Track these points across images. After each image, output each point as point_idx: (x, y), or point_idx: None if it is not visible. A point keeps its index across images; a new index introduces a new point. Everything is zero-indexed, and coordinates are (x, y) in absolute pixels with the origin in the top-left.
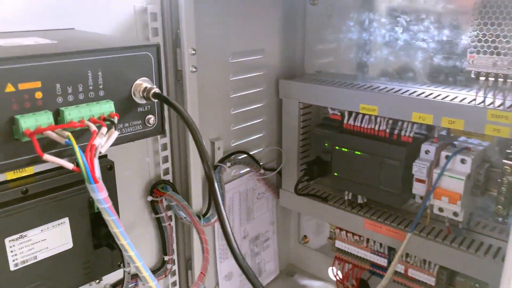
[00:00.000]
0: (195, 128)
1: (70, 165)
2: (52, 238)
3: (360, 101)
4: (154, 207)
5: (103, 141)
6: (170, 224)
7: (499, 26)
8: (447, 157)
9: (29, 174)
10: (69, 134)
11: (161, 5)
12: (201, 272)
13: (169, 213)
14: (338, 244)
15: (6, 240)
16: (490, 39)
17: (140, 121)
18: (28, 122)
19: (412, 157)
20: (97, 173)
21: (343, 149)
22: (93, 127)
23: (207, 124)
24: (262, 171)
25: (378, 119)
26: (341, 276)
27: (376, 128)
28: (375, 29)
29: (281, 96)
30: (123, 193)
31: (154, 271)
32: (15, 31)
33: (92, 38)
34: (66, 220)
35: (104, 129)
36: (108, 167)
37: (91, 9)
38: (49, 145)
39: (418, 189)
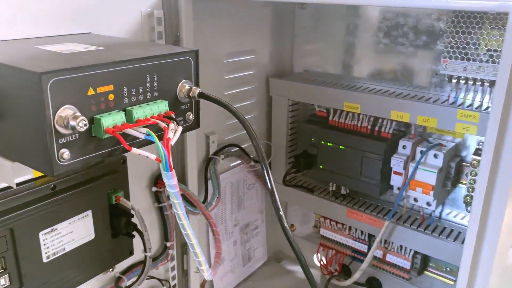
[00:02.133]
0: (247, 124)
1: (153, 156)
2: (77, 230)
3: (344, 99)
4: (157, 196)
5: (172, 135)
6: (171, 213)
7: (469, 35)
8: (421, 152)
9: None
10: (149, 130)
11: (163, 10)
12: (216, 252)
13: (170, 202)
14: (323, 231)
15: (40, 234)
16: (461, 46)
17: (182, 118)
18: (107, 121)
19: (391, 152)
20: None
21: (328, 143)
22: (162, 124)
23: (203, 119)
24: (252, 163)
25: (361, 116)
26: (325, 262)
27: (359, 124)
28: (360, 33)
29: (271, 93)
30: (131, 184)
31: (157, 256)
32: (46, 36)
33: (129, 43)
34: (89, 212)
35: (173, 125)
36: (122, 161)
37: (103, 14)
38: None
39: (396, 180)
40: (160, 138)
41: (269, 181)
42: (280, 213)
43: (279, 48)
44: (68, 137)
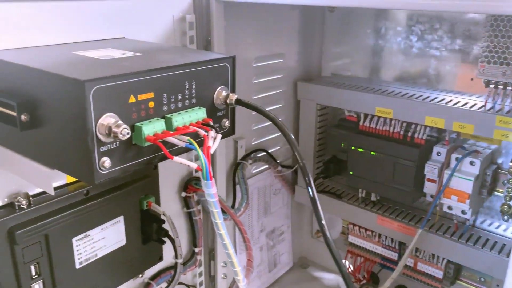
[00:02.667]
0: (286, 130)
1: (194, 165)
2: (109, 236)
3: (376, 104)
4: (186, 202)
5: (212, 143)
6: (200, 218)
7: (509, 39)
8: (457, 159)
9: None
10: (189, 138)
11: (195, 14)
12: (248, 260)
13: (198, 207)
14: (351, 238)
15: (73, 240)
16: (500, 50)
17: (218, 124)
18: (148, 129)
19: (424, 158)
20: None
21: (359, 149)
22: (202, 132)
23: None
24: (279, 168)
25: (393, 122)
26: (352, 269)
27: (391, 130)
28: (391, 37)
29: (299, 97)
30: (161, 189)
31: (186, 262)
32: (81, 42)
33: (164, 49)
34: (121, 218)
35: (212, 133)
36: (153, 167)
37: (136, 19)
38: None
39: (429, 188)
40: (199, 145)
41: (311, 189)
42: (322, 222)
43: (307, 52)
44: (109, 145)
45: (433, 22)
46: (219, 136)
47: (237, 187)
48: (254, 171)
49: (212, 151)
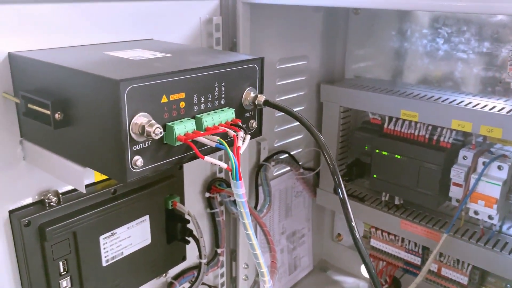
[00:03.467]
0: (315, 132)
1: (225, 165)
2: (135, 235)
3: (401, 107)
4: (210, 202)
5: (241, 143)
6: (223, 219)
7: None
8: (484, 163)
9: None
10: (220, 138)
11: (221, 16)
12: (272, 261)
13: (221, 208)
14: (373, 242)
15: (101, 238)
16: None
17: (246, 125)
18: (179, 129)
19: (450, 162)
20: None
21: (383, 152)
22: (232, 133)
23: None
24: (301, 170)
25: (418, 125)
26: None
27: (416, 133)
28: (416, 39)
29: (322, 99)
30: (186, 189)
31: (208, 262)
32: (111, 42)
33: (193, 50)
34: (147, 217)
35: (241, 133)
36: (179, 167)
37: (164, 20)
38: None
39: (455, 192)
40: (228, 145)
41: (341, 191)
42: (353, 224)
43: (330, 54)
44: (141, 144)
45: (460, 24)
46: (248, 136)
47: (260, 188)
48: (276, 173)
49: (241, 151)
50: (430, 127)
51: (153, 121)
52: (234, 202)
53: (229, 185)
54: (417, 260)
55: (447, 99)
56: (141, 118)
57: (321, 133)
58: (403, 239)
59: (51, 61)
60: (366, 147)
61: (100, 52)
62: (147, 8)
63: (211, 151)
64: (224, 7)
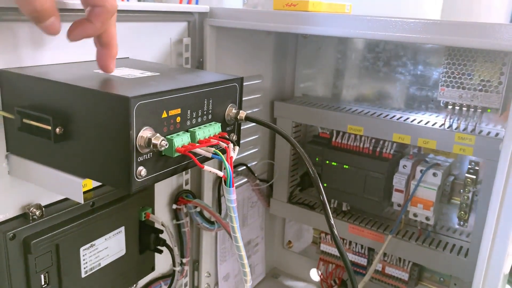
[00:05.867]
0: (298, 146)
1: (221, 173)
2: (112, 246)
3: (348, 122)
4: (176, 213)
5: (233, 154)
6: (188, 230)
7: (464, 66)
8: (421, 171)
9: (89, 188)
10: (215, 149)
11: (190, 37)
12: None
13: (187, 219)
14: (323, 247)
15: (81, 249)
16: (457, 76)
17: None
18: (178, 141)
19: (392, 171)
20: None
21: (333, 163)
22: (223, 144)
23: None
24: (257, 181)
25: (363, 138)
26: (324, 276)
27: (361, 145)
28: (360, 62)
29: (275, 115)
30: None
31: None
32: (91, 61)
33: (176, 69)
34: (122, 229)
35: (231, 145)
36: None
37: (138, 40)
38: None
39: (397, 197)
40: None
41: (322, 196)
42: (331, 221)
43: (281, 73)
44: (145, 156)
45: (398, 49)
46: (237, 147)
47: (222, 199)
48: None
49: (233, 160)
50: (373, 140)
51: (158, 134)
52: (200, 213)
53: (195, 197)
54: (363, 261)
55: (388, 115)
56: (146, 132)
57: (275, 146)
58: (350, 242)
59: (51, 78)
60: (317, 159)
61: (90, 70)
62: (125, 29)
63: (202, 161)
64: (192, 29)
